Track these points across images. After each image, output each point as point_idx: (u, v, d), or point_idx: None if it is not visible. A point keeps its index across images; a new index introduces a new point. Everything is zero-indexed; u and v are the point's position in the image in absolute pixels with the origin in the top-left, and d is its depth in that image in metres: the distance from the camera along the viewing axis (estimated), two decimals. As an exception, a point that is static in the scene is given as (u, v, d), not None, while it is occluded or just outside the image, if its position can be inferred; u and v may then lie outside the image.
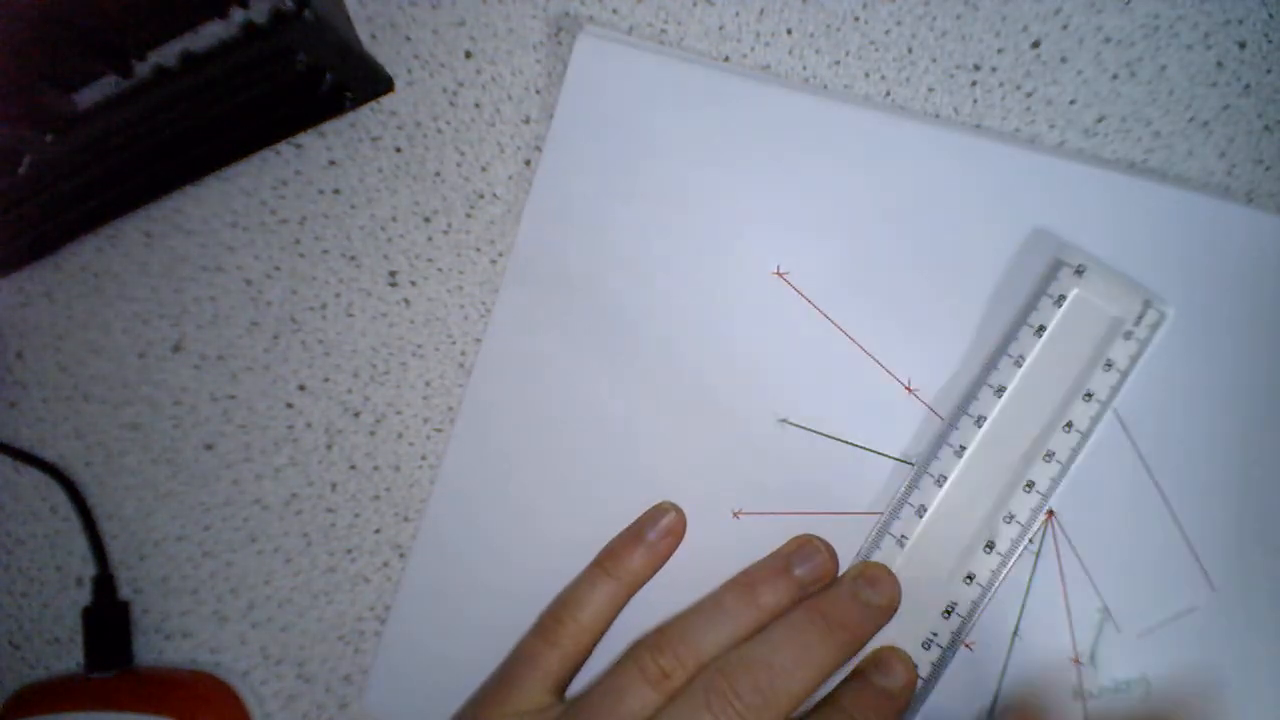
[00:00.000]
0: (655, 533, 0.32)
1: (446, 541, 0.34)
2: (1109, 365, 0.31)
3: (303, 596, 0.36)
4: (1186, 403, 0.32)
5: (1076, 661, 0.32)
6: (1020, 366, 0.31)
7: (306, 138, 0.35)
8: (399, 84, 0.35)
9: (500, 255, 0.35)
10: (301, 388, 0.36)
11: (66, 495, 0.36)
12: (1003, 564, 0.31)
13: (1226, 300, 0.31)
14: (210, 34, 0.34)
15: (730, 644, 0.29)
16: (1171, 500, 0.31)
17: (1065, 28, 0.33)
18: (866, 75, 0.34)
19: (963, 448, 0.31)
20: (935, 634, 0.31)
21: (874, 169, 0.33)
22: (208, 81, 0.32)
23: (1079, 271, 0.31)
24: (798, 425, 0.33)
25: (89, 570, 0.36)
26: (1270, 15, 0.32)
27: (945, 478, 0.31)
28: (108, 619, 0.35)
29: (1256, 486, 0.31)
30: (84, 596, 0.36)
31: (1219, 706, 0.31)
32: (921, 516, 0.31)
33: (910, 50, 0.33)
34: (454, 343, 0.35)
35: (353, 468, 0.36)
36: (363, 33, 0.35)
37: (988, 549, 0.31)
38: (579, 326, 0.34)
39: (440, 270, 0.35)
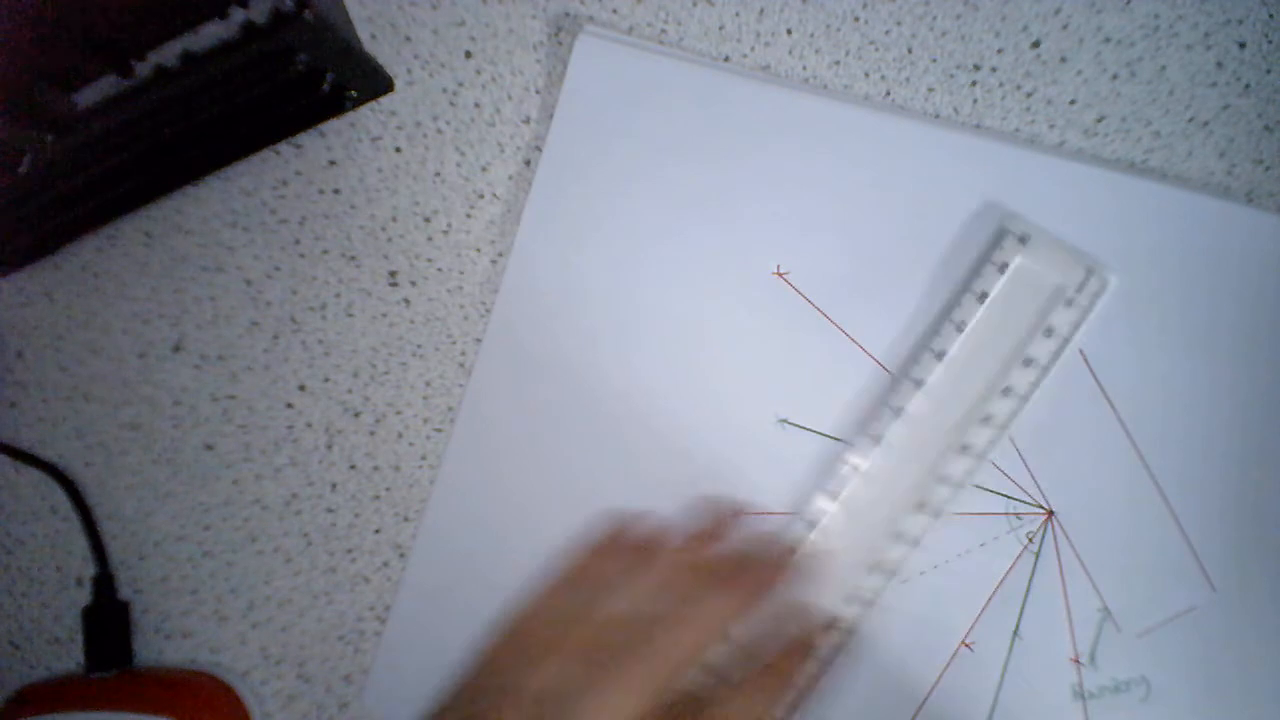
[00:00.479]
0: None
1: (446, 541, 0.34)
2: (1049, 332, 0.31)
3: (303, 596, 0.36)
4: (1186, 403, 0.32)
5: (1076, 661, 0.32)
6: (961, 332, 0.31)
7: (306, 138, 0.35)
8: (399, 84, 0.35)
9: (500, 255, 0.35)
10: (301, 388, 0.36)
11: (66, 495, 0.36)
12: (932, 523, 0.32)
13: (1226, 300, 0.31)
14: (210, 34, 0.34)
15: (629, 606, 0.28)
16: (1171, 500, 0.31)
17: (1065, 28, 0.33)
18: (866, 75, 0.34)
19: (901, 409, 0.32)
20: (864, 588, 0.32)
21: (874, 169, 0.33)
22: (208, 81, 0.32)
23: (1023, 240, 0.31)
24: (798, 425, 0.33)
25: (89, 570, 0.36)
26: (1270, 15, 0.32)
27: (882, 437, 0.32)
28: (108, 619, 0.35)
29: (1256, 486, 0.31)
30: (84, 596, 0.36)
31: (1219, 706, 0.31)
32: (857, 472, 0.32)
33: (910, 50, 0.33)
34: (454, 343, 0.35)
35: (353, 468, 0.36)
36: (363, 33, 0.35)
37: (921, 509, 0.31)
38: (579, 326, 0.34)
39: (440, 270, 0.35)
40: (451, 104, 0.35)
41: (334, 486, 0.36)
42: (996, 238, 0.32)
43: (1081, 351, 0.32)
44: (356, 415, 0.36)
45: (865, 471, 0.32)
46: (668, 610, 0.27)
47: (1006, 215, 0.32)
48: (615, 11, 0.34)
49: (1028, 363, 0.31)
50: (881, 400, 0.32)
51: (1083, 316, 0.31)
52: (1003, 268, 0.31)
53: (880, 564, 0.31)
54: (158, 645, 0.36)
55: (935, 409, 0.31)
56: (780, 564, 0.29)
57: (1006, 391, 0.31)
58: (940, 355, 0.31)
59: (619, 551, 0.30)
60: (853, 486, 0.32)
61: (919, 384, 0.32)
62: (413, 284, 0.35)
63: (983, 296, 0.31)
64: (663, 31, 0.34)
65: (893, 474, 0.32)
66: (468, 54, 0.35)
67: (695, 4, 0.34)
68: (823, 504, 0.32)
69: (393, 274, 0.35)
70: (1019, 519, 0.32)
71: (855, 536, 0.32)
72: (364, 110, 0.35)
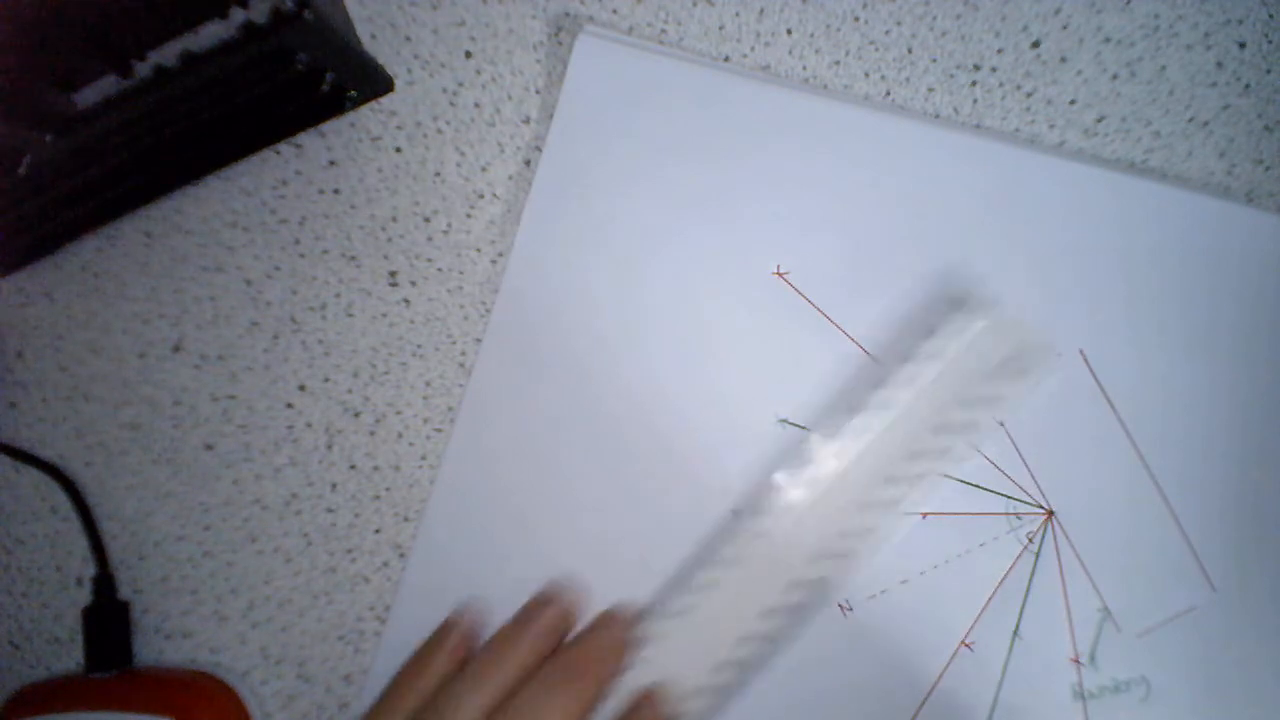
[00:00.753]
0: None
1: (446, 541, 0.34)
2: (995, 398, 0.31)
3: (303, 596, 0.36)
4: (1186, 403, 0.32)
5: (1076, 661, 0.32)
6: (915, 378, 0.31)
7: (306, 138, 0.35)
8: (399, 84, 0.35)
9: (500, 255, 0.35)
10: (301, 388, 0.36)
11: (66, 495, 0.36)
12: (889, 529, 0.31)
13: (1226, 300, 0.31)
14: (210, 34, 0.34)
15: (493, 704, 0.28)
16: (1171, 500, 0.31)
17: (1065, 28, 0.33)
18: (866, 75, 0.34)
19: (862, 429, 0.31)
20: (803, 579, 0.31)
21: (874, 169, 0.33)
22: (208, 81, 0.32)
23: (980, 306, 0.31)
24: (798, 425, 0.33)
25: (89, 570, 0.36)
26: (1270, 15, 0.32)
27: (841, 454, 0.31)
28: (108, 619, 0.35)
29: (1256, 486, 0.31)
30: (84, 596, 0.36)
31: (1219, 706, 0.31)
32: (810, 487, 0.31)
33: (910, 50, 0.33)
34: (454, 343, 0.35)
35: (353, 468, 0.36)
36: (363, 33, 0.35)
37: (844, 537, 0.31)
38: (579, 326, 0.34)
39: (440, 270, 0.35)
40: (451, 104, 0.35)
41: (334, 486, 0.36)
42: (966, 292, 0.32)
43: (1082, 351, 0.32)
44: (356, 415, 0.36)
45: (822, 482, 0.31)
46: (515, 715, 0.27)
47: (975, 276, 0.32)
48: (615, 11, 0.34)
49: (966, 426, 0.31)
50: (840, 417, 0.32)
51: (1033, 384, 0.31)
52: (961, 329, 0.31)
53: (825, 565, 0.31)
54: (158, 645, 0.36)
55: (887, 439, 0.31)
56: (620, 649, 0.30)
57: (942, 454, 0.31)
58: (905, 385, 0.31)
59: (455, 657, 0.30)
60: (802, 493, 0.31)
61: (881, 408, 0.31)
62: (413, 284, 0.35)
63: (942, 347, 0.31)
64: (663, 31, 0.34)
65: (849, 483, 0.31)
66: (468, 54, 0.35)
67: (695, 4, 0.34)
68: (790, 493, 0.31)
69: (393, 274, 0.35)
70: (1019, 519, 0.32)
71: (826, 523, 0.31)
72: (364, 110, 0.35)
